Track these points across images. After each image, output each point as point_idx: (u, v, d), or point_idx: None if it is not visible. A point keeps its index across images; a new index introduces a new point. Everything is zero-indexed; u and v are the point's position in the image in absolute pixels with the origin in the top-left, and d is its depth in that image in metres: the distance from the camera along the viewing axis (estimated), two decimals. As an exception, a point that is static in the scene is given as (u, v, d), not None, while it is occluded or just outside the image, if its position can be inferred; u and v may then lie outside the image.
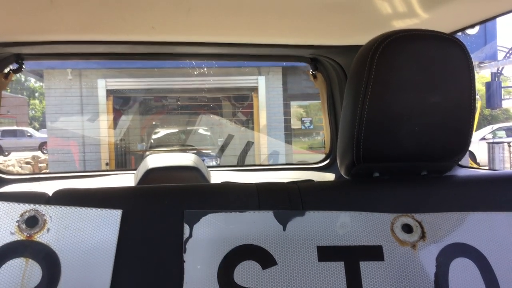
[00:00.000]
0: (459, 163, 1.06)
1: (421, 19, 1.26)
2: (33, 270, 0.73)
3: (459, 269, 0.78)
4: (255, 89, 8.17)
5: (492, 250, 0.80)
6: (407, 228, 0.81)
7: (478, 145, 8.69)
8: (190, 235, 0.78)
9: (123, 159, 7.92)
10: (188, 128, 8.07)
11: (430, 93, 0.83)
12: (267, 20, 1.35)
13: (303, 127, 8.59)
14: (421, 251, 0.79)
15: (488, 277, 0.77)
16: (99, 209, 0.79)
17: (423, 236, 0.80)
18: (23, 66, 1.59)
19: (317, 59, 1.76)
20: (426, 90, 0.83)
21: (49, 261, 0.74)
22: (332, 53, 1.67)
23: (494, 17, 1.23)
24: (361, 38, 1.48)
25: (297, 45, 1.58)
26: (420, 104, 0.83)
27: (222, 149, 7.91)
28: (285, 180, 0.93)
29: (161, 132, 8.08)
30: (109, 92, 7.76)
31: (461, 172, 1.24)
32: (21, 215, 0.77)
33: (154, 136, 7.87)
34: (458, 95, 0.85)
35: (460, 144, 0.88)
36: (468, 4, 1.15)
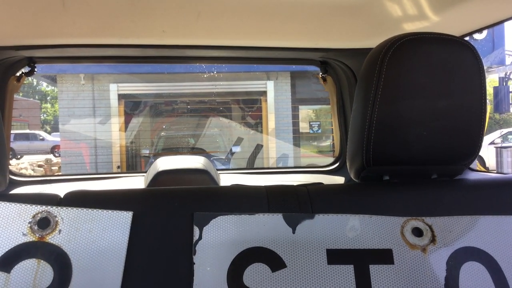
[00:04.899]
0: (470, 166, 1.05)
1: (431, 22, 1.25)
2: (45, 271, 0.74)
3: (469, 273, 0.77)
4: (264, 93, 8.18)
5: (503, 254, 0.79)
6: (417, 232, 0.81)
7: (487, 149, 8.61)
8: (200, 237, 0.78)
9: (134, 162, 7.97)
10: (197, 131, 8.09)
11: (440, 96, 0.83)
12: (277, 23, 1.35)
13: (311, 131, 8.58)
14: (432, 254, 0.78)
15: (498, 281, 0.77)
16: (110, 211, 0.79)
17: (433, 239, 0.80)
18: (35, 69, 1.61)
19: (327, 62, 1.76)
20: (436, 93, 0.83)
21: (60, 262, 0.75)
22: (342, 56, 1.66)
23: (505, 20, 1.22)
24: (371, 41, 1.48)
25: (307, 48, 1.58)
26: (430, 107, 0.83)
27: (232, 152, 7.93)
28: (295, 183, 0.93)
29: (171, 135, 8.12)
30: (121, 96, 7.82)
31: (472, 176, 1.23)
32: (33, 217, 0.77)
33: (164, 139, 7.91)
34: (468, 99, 0.84)
35: (470, 148, 0.87)
36: (479, 7, 1.14)
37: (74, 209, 0.79)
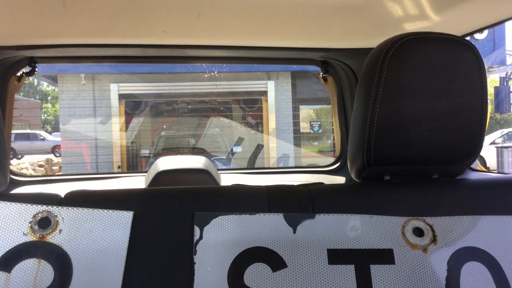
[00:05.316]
0: (471, 166, 1.05)
1: (432, 21, 1.25)
2: (45, 271, 0.74)
3: (470, 273, 0.77)
4: (264, 93, 8.19)
5: (504, 254, 0.79)
6: (418, 232, 0.81)
7: (488, 149, 8.61)
8: (201, 237, 0.78)
9: (135, 162, 7.97)
10: (198, 131, 8.10)
11: (441, 96, 0.83)
12: (278, 23, 1.35)
13: (312, 131, 8.59)
14: (432, 255, 0.78)
15: (500, 281, 0.77)
16: (110, 211, 0.79)
17: (434, 239, 0.80)
18: (36, 69, 1.61)
19: (328, 62, 1.76)
20: (437, 93, 0.83)
21: (61, 262, 0.75)
22: (343, 56, 1.66)
23: (506, 20, 1.22)
24: (372, 41, 1.48)
25: (307, 48, 1.58)
26: (431, 107, 0.83)
27: (232, 152, 7.93)
28: (295, 183, 0.93)
29: (172, 135, 8.12)
30: (122, 96, 7.83)
31: (473, 176, 1.22)
32: (34, 216, 0.77)
33: (164, 139, 7.91)
34: (469, 99, 0.84)
35: (471, 148, 0.87)
36: (480, 7, 1.14)
37: (75, 209, 0.79)
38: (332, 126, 1.96)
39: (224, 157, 7.70)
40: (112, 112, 7.71)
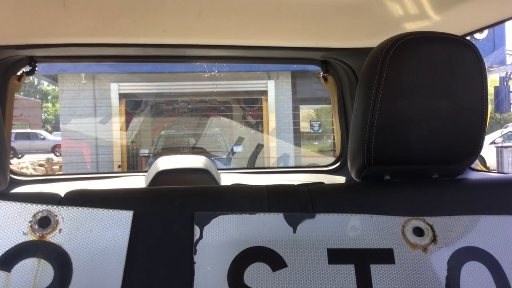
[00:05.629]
0: (471, 166, 1.05)
1: (432, 21, 1.25)
2: (45, 270, 0.74)
3: (470, 273, 0.77)
4: (264, 93, 8.19)
5: (504, 254, 0.79)
6: (418, 232, 0.81)
7: (488, 149, 8.61)
8: (201, 237, 0.78)
9: (135, 161, 7.98)
10: (198, 131, 8.10)
11: (442, 96, 0.83)
12: (278, 23, 1.35)
13: (312, 131, 8.59)
14: (433, 254, 0.78)
15: (500, 281, 0.77)
16: (110, 210, 0.79)
17: (434, 239, 0.80)
18: (36, 69, 1.61)
19: (328, 61, 1.76)
20: (438, 93, 0.82)
21: (61, 261, 0.75)
22: (343, 55, 1.66)
23: (506, 20, 1.22)
24: (372, 40, 1.48)
25: (308, 47, 1.58)
26: (431, 107, 0.83)
27: (233, 151, 7.93)
28: (296, 183, 0.93)
29: (172, 134, 8.13)
30: (122, 96, 7.83)
31: (473, 176, 1.22)
32: (34, 216, 0.77)
33: (165, 139, 7.91)
34: (469, 98, 0.84)
35: (471, 148, 0.87)
36: (480, 7, 1.14)
37: (75, 208, 0.79)
38: (332, 125, 1.96)
39: (224, 157, 7.70)
40: (112, 112, 7.71)
